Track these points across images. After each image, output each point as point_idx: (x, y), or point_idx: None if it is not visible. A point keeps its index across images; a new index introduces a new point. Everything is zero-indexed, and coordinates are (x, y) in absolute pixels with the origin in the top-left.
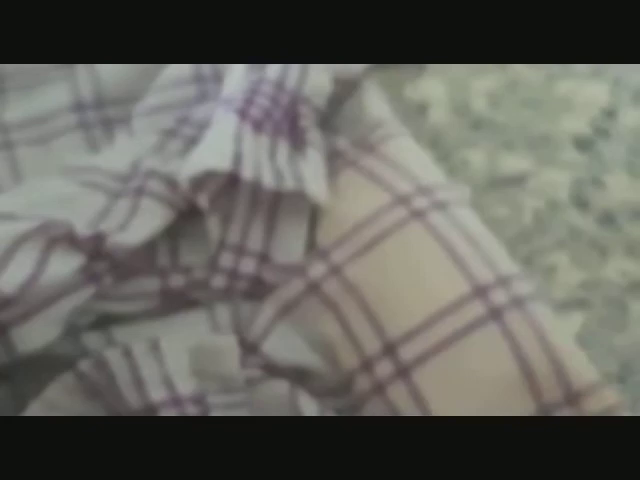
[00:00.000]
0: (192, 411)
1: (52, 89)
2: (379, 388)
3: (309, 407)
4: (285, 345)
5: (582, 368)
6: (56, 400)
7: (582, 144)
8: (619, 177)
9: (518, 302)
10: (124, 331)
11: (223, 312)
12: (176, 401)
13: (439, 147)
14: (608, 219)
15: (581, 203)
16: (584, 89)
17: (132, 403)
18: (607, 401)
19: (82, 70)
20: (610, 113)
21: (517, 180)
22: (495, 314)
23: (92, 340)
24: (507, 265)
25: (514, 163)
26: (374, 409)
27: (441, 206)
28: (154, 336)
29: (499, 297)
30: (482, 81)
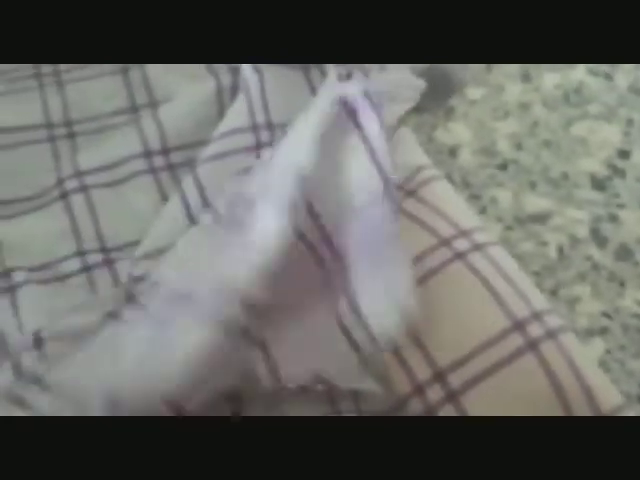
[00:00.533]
0: None
1: (121, 136)
2: (430, 411)
3: None
4: (343, 369)
5: (608, 392)
6: None
7: (598, 183)
8: (634, 213)
9: (551, 334)
10: None
11: None
12: None
13: (470, 186)
14: (625, 253)
15: (600, 238)
16: (599, 130)
17: None
18: None
19: (147, 119)
20: (624, 153)
21: (541, 218)
22: (532, 345)
23: None
24: (539, 300)
25: (538, 202)
26: None
27: (479, 247)
28: None
29: (535, 330)
30: (505, 124)
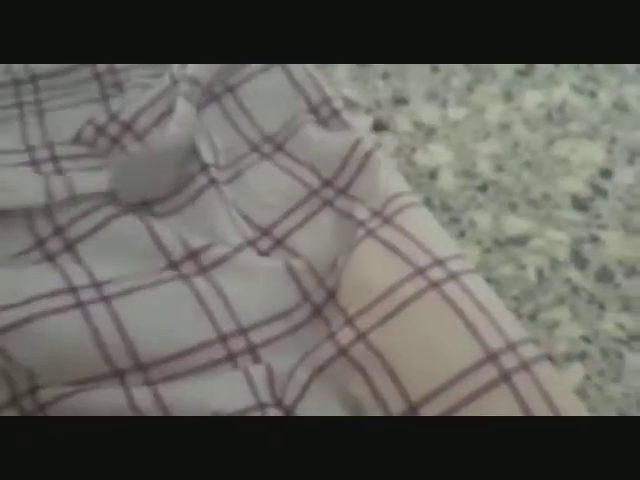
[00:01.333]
0: None
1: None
2: None
3: None
4: (319, 406)
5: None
6: None
7: (580, 203)
8: (615, 234)
9: (525, 365)
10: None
11: (259, 373)
12: None
13: (449, 209)
14: (605, 275)
15: (580, 260)
16: (581, 150)
17: None
18: None
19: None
20: (606, 172)
21: (521, 240)
22: (506, 377)
23: None
24: (515, 330)
25: (518, 223)
26: None
27: (455, 276)
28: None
29: (509, 361)
30: (486, 145)
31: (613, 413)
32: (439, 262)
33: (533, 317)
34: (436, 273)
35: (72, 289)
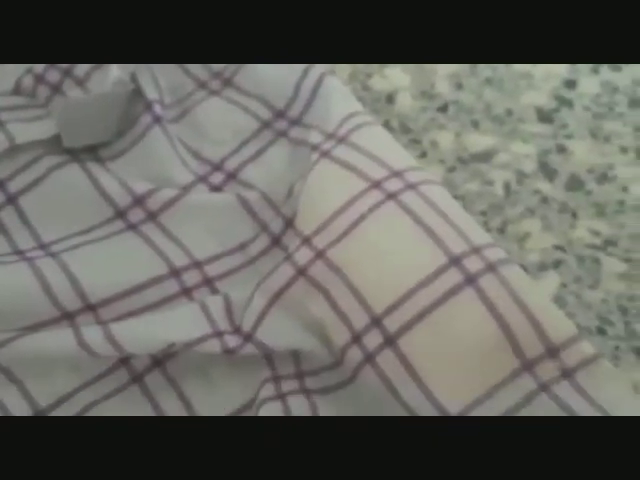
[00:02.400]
0: None
1: None
2: (369, 358)
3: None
4: (278, 330)
5: (558, 323)
6: None
7: (545, 115)
8: (583, 143)
9: (491, 267)
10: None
11: (216, 303)
12: None
13: (409, 132)
14: (576, 184)
15: (548, 171)
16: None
17: None
18: (586, 352)
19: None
20: (570, 83)
21: (485, 156)
22: (470, 280)
23: None
24: (479, 235)
25: (481, 140)
26: (366, 379)
27: (413, 186)
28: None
29: (473, 264)
30: (444, 65)
31: (593, 319)
32: (396, 174)
33: (502, 230)
34: (393, 184)
35: (18, 252)
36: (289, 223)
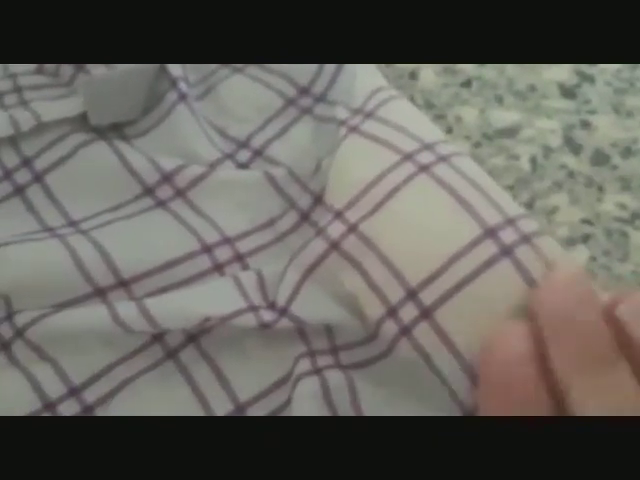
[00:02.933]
0: None
1: None
2: (405, 331)
3: None
4: (313, 304)
5: None
6: None
7: (567, 91)
8: (607, 117)
9: (526, 238)
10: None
11: (249, 278)
12: None
13: (433, 108)
14: (601, 158)
15: (574, 146)
16: None
17: None
18: None
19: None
20: None
21: (510, 131)
22: (507, 251)
23: None
24: (512, 207)
25: (506, 116)
26: (401, 352)
27: (445, 158)
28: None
29: (509, 236)
30: None
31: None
32: (427, 146)
33: (530, 205)
34: (425, 157)
35: (48, 229)
36: (318, 199)
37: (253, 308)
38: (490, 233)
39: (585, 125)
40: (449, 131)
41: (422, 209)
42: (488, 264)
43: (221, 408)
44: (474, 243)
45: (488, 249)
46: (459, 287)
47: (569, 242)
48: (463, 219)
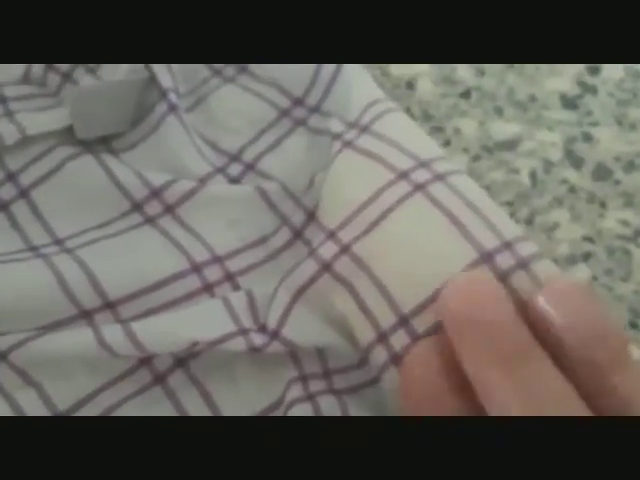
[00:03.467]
0: None
1: None
2: (395, 359)
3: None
4: (304, 327)
5: None
6: None
7: (569, 102)
8: (609, 130)
9: (523, 264)
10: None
11: (239, 300)
12: None
13: (431, 119)
14: (603, 173)
15: (575, 160)
16: None
17: None
18: None
19: None
20: (593, 69)
21: (510, 144)
22: (502, 278)
23: None
24: (510, 229)
25: (505, 128)
26: (391, 379)
27: (441, 177)
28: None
29: (505, 260)
30: None
31: (625, 312)
32: (423, 164)
33: (530, 221)
34: (421, 175)
35: (33, 248)
36: (311, 216)
37: (243, 331)
38: (487, 257)
39: (587, 138)
40: (447, 144)
41: (417, 231)
42: None
43: None
44: (470, 268)
45: None
46: None
47: (569, 260)
48: (459, 242)
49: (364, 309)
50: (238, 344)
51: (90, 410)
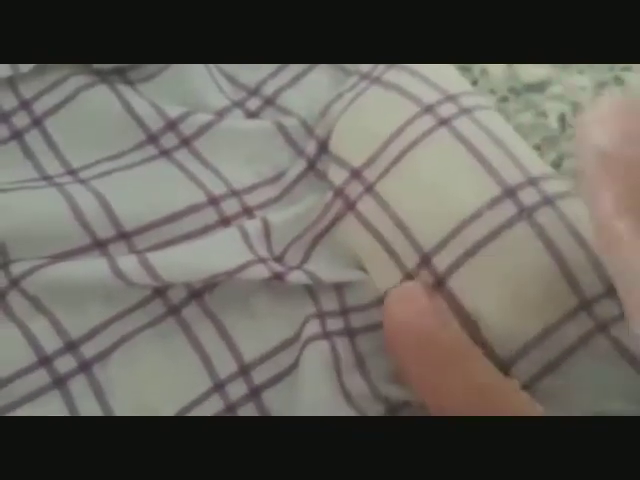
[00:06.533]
0: None
1: None
2: None
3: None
4: (326, 264)
5: None
6: None
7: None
8: None
9: (548, 200)
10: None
11: (255, 228)
12: None
13: None
14: None
15: None
16: None
17: None
18: None
19: None
20: None
21: (539, 86)
22: (526, 213)
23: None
24: (537, 165)
25: (534, 69)
26: None
27: (467, 111)
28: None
29: (530, 197)
30: None
31: None
32: (451, 98)
33: (557, 165)
34: (447, 109)
35: (46, 177)
36: (323, 145)
37: (262, 260)
38: (509, 193)
39: (618, 82)
40: (474, 84)
41: (439, 167)
42: (505, 226)
43: (224, 368)
44: (491, 204)
45: (506, 210)
46: (472, 252)
47: None
48: (481, 178)
49: (389, 249)
50: (259, 272)
51: (103, 339)
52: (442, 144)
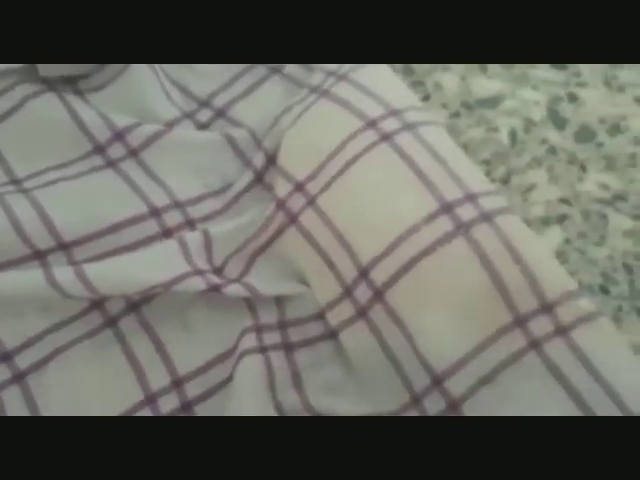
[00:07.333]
0: None
1: None
2: (362, 312)
3: None
4: (267, 277)
5: (556, 277)
6: None
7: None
8: (596, 92)
9: (486, 217)
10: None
11: (195, 240)
12: None
13: (412, 74)
14: (586, 134)
15: (558, 120)
16: None
17: None
18: (584, 309)
19: None
20: None
21: (492, 101)
22: (463, 229)
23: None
24: (476, 182)
25: (488, 84)
26: (356, 333)
27: (410, 127)
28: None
29: (467, 212)
30: None
31: (596, 277)
32: (395, 112)
33: (506, 180)
34: (390, 124)
35: None
36: (270, 159)
37: (199, 272)
38: (447, 208)
39: (573, 98)
40: (426, 99)
41: (378, 182)
42: (441, 242)
43: (157, 381)
44: (428, 219)
45: (443, 226)
46: (408, 267)
47: (543, 222)
48: (420, 193)
49: (328, 262)
50: (195, 284)
51: (39, 350)
52: (382, 159)
